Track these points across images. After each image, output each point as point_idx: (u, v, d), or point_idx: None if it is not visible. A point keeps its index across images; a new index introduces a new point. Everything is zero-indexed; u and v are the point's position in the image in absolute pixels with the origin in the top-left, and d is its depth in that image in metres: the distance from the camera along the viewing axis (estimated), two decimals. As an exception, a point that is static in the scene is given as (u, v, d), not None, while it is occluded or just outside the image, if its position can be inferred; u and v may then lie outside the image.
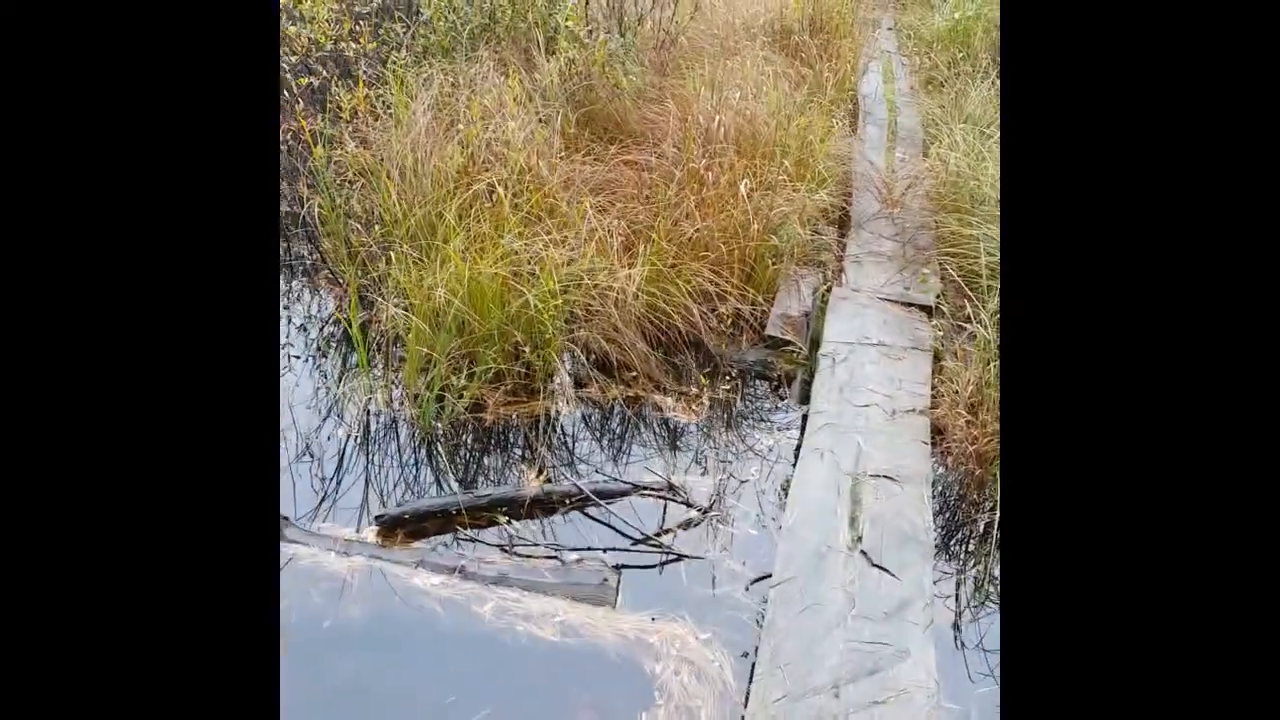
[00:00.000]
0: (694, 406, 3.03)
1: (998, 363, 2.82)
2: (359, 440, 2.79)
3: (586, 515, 2.52)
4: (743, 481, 2.71)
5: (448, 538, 2.42)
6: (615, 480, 2.62)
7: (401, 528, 2.42)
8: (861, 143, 4.93)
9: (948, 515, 2.65)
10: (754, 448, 2.89)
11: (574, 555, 2.35)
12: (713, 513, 2.55)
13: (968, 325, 3.06)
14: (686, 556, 2.38)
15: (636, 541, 2.43)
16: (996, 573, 2.42)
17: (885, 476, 2.56)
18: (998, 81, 5.18)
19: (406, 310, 2.86)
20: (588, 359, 3.08)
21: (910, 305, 3.52)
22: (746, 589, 2.29)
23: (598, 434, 2.91)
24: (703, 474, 2.72)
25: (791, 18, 5.48)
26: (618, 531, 2.46)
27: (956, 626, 2.25)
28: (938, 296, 3.55)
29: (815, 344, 3.30)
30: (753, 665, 1.98)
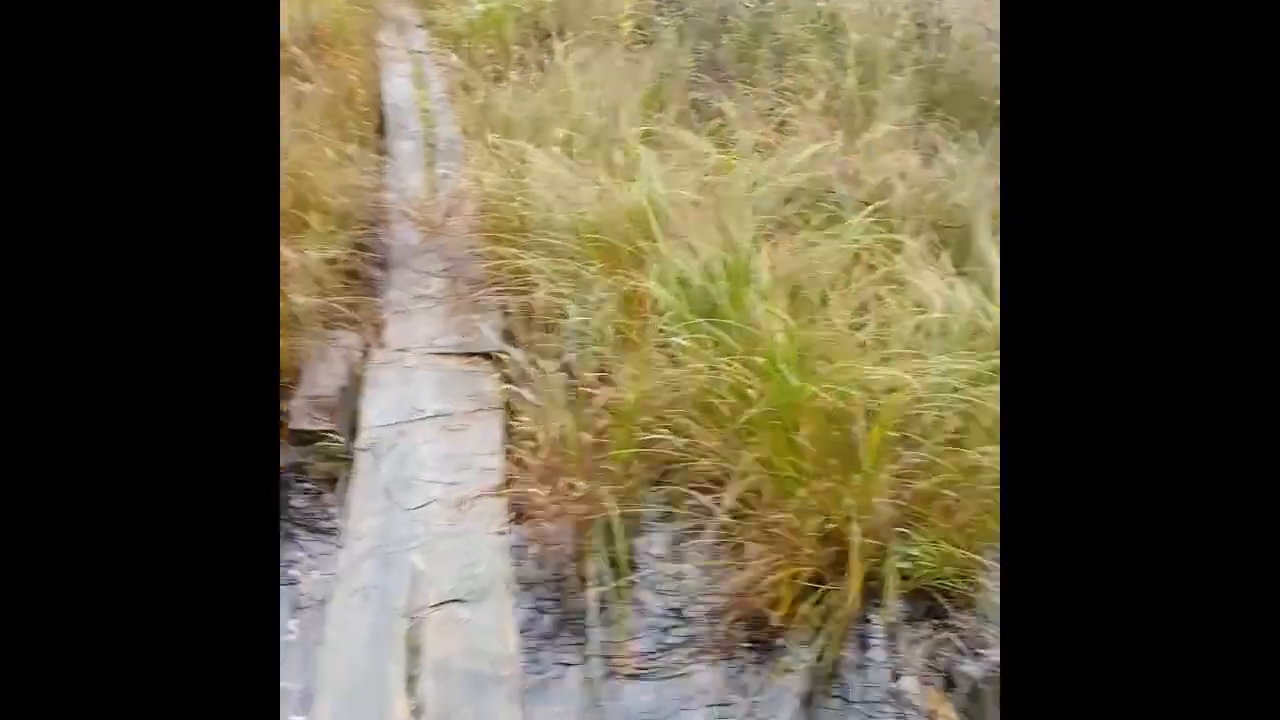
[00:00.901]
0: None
1: (577, 414, 2.53)
2: None
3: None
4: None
5: None
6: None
7: None
8: (392, 162, 4.46)
9: (556, 600, 2.29)
10: (296, 584, 2.30)
11: None
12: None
13: (532, 371, 2.75)
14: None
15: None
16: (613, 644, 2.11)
17: (452, 600, 2.12)
18: (530, 75, 5.01)
19: None
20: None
21: (470, 355, 3.14)
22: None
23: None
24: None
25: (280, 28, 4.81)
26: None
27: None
28: (502, 338, 3.20)
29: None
30: None
